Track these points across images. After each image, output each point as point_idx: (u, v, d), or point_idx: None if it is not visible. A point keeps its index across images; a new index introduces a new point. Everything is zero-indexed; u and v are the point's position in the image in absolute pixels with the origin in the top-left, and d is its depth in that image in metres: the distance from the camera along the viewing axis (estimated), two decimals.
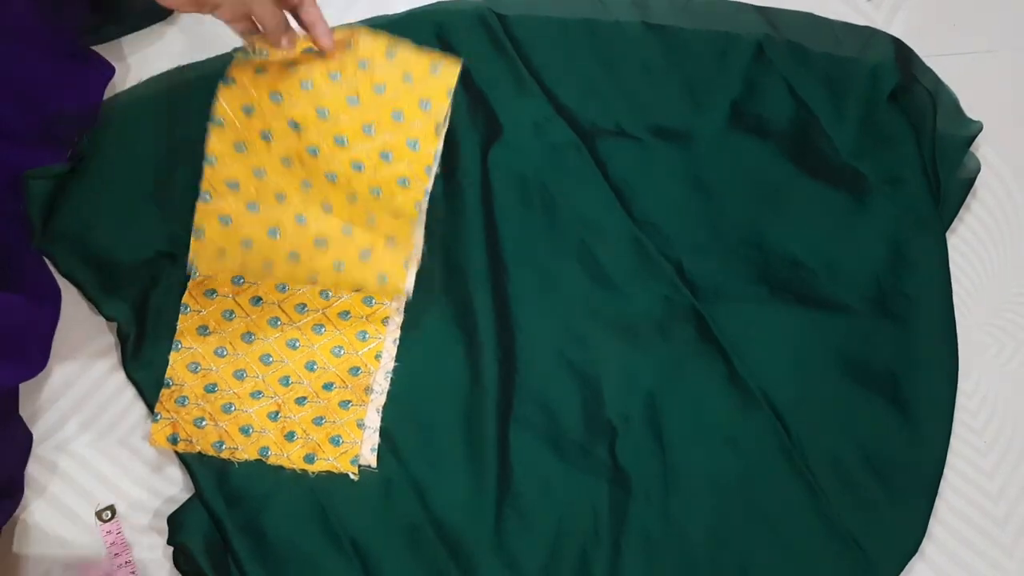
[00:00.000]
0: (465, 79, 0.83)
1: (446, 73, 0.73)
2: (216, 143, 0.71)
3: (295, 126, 0.71)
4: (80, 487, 0.75)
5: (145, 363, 0.76)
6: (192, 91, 0.81)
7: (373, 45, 0.72)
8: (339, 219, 0.74)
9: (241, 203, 0.72)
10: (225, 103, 0.70)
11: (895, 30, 0.92)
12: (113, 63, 0.80)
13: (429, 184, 0.76)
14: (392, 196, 0.74)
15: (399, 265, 0.76)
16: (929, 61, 0.90)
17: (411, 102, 0.73)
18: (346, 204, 0.73)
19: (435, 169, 0.76)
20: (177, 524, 0.73)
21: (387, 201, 0.74)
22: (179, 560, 0.73)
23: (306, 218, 0.73)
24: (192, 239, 0.73)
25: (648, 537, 0.77)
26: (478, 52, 0.86)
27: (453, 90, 0.74)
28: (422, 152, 0.74)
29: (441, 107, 0.74)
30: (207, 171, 0.72)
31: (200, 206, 0.72)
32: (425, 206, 0.77)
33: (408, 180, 0.74)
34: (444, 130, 0.76)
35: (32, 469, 0.74)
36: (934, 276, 0.85)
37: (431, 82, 0.73)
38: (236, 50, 0.84)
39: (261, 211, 0.72)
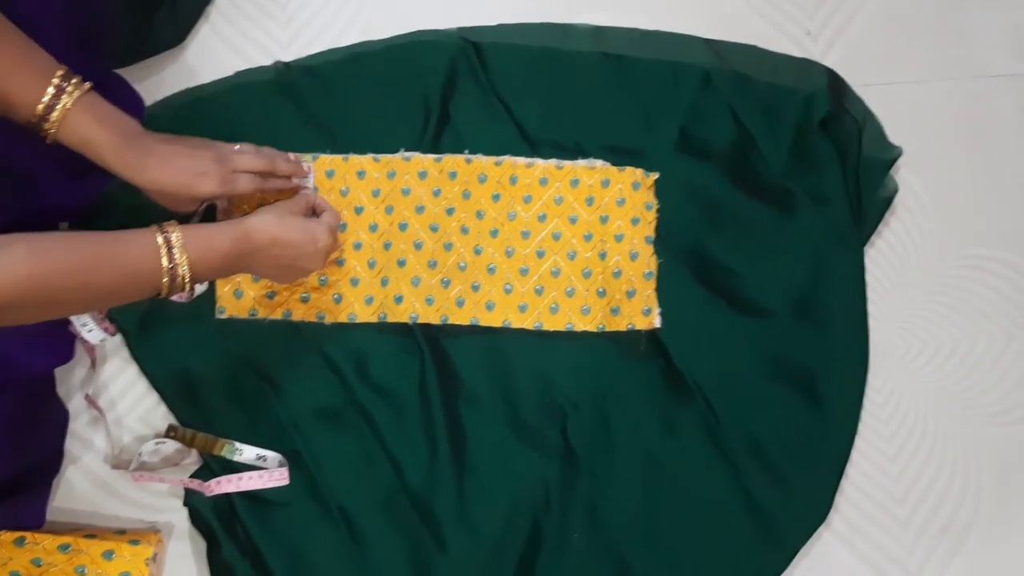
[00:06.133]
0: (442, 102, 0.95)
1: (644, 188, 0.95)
2: None
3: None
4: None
5: (154, 353, 0.88)
6: (202, 109, 0.92)
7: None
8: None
9: None
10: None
11: (830, 61, 1.01)
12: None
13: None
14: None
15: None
16: (859, 90, 0.99)
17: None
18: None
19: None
20: (191, 489, 0.86)
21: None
22: (195, 519, 0.86)
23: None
24: None
25: (592, 507, 0.89)
26: (453, 80, 0.95)
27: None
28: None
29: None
30: None
31: None
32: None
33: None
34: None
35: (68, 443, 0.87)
36: (851, 285, 0.95)
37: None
38: (238, 73, 0.95)
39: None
